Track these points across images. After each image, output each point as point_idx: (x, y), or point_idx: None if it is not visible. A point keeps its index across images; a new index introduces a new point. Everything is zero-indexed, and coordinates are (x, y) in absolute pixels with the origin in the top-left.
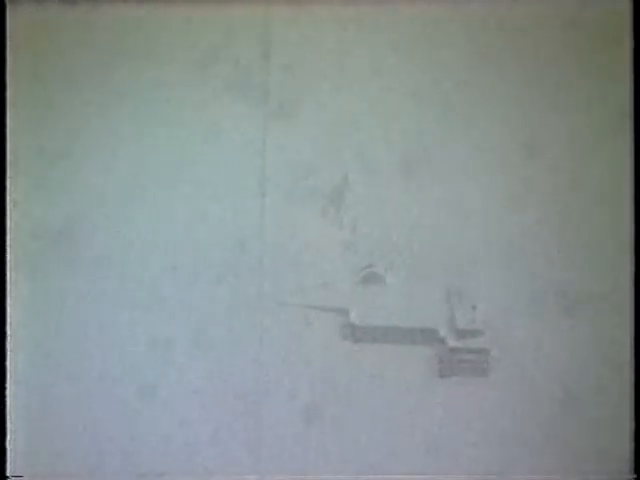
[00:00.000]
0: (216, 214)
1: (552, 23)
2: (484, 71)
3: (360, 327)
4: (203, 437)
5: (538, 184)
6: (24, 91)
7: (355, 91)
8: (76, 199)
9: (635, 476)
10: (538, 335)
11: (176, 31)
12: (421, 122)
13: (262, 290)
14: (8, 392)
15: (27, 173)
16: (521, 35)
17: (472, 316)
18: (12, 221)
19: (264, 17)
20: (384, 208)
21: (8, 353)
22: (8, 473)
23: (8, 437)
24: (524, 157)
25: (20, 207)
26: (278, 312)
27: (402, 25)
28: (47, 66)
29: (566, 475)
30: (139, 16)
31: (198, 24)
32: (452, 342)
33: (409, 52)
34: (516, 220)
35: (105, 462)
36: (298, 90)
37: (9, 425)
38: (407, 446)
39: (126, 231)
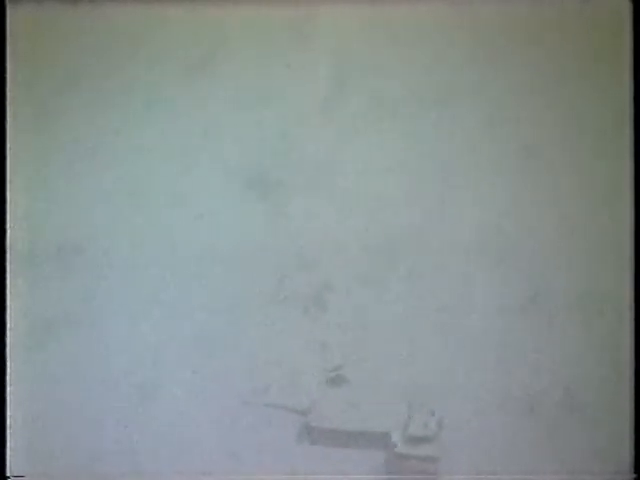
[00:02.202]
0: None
1: (551, 23)
2: (482, 71)
3: (317, 429)
4: (203, 437)
5: (537, 185)
6: (24, 91)
7: (349, 93)
8: (75, 199)
9: (635, 476)
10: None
11: (176, 31)
12: (419, 126)
13: (229, 388)
14: (8, 392)
15: (26, 173)
16: (520, 35)
17: (427, 422)
18: (12, 221)
19: (264, 18)
20: (363, 309)
21: (8, 353)
22: (8, 473)
23: (8, 437)
24: (524, 158)
25: (19, 207)
26: (241, 411)
27: (399, 25)
28: (47, 66)
29: (566, 475)
30: (139, 16)
31: (198, 24)
32: (402, 448)
33: (408, 54)
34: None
35: (105, 462)
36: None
37: (9, 425)
38: None
39: (126, 231)
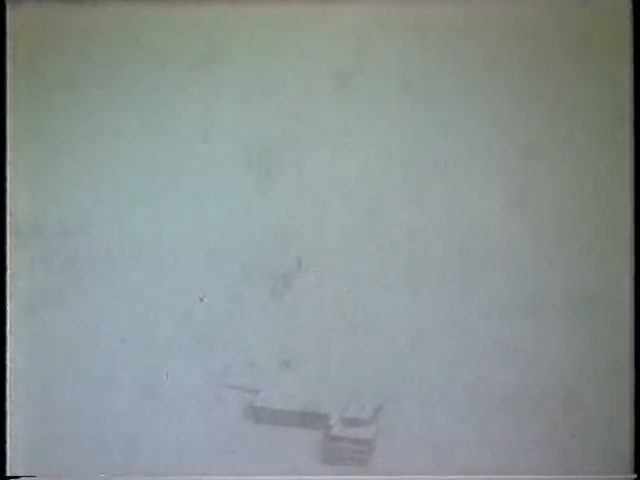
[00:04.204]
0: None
1: (552, 23)
2: (483, 72)
3: (263, 409)
4: (203, 437)
5: (538, 185)
6: (24, 91)
7: (348, 98)
8: (76, 198)
9: (635, 476)
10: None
11: (176, 31)
12: (418, 126)
13: (191, 370)
14: (8, 392)
15: (27, 173)
16: (521, 36)
17: (364, 405)
18: (12, 220)
19: (264, 18)
20: (328, 296)
21: (8, 353)
22: (8, 473)
23: (8, 437)
24: (524, 158)
25: (20, 207)
26: (196, 388)
27: (400, 25)
28: (47, 66)
29: (566, 475)
30: (139, 16)
31: (198, 24)
32: (338, 430)
33: (408, 54)
34: (515, 228)
35: (105, 462)
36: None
37: (9, 425)
38: None
39: (127, 231)
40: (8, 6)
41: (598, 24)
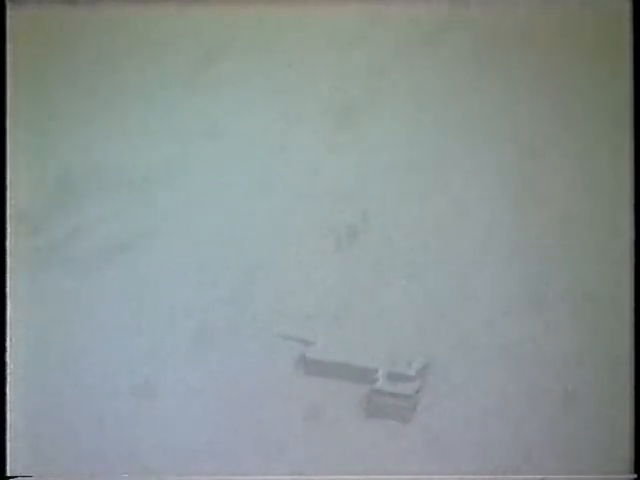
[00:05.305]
0: (219, 221)
1: (552, 24)
2: (484, 72)
3: (314, 360)
4: (203, 437)
5: (539, 185)
6: (24, 91)
7: (350, 92)
8: (77, 197)
9: (635, 476)
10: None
11: (176, 30)
12: (421, 124)
13: (244, 317)
14: (8, 392)
15: (28, 172)
16: (521, 36)
17: (412, 362)
18: (12, 220)
19: (264, 17)
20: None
21: (8, 353)
22: (8, 473)
23: (8, 437)
24: (525, 158)
25: (21, 206)
26: (254, 338)
27: (403, 27)
28: (47, 66)
29: (566, 475)
30: (139, 16)
31: (198, 23)
32: (382, 384)
33: (409, 54)
34: (517, 226)
35: (105, 462)
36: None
37: (9, 425)
38: None
39: (126, 230)
40: (8, 6)
41: (598, 24)
